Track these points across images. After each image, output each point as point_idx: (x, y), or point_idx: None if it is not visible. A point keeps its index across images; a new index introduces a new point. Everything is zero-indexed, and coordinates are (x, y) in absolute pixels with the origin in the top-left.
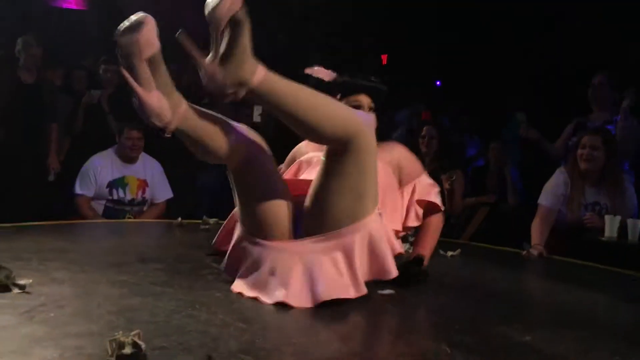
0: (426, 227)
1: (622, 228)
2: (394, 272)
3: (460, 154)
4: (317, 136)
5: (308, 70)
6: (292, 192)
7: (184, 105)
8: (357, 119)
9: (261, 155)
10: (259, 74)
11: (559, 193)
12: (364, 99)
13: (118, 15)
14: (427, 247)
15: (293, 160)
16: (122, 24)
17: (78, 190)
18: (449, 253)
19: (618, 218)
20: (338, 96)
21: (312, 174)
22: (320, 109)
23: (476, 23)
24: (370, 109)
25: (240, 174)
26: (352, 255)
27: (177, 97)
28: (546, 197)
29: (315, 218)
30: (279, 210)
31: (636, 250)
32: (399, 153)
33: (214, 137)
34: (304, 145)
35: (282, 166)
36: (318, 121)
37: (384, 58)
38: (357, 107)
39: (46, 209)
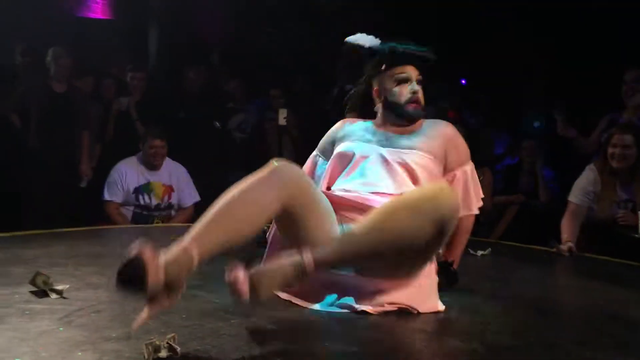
0: (456, 229)
1: None
2: None
3: (488, 151)
4: (422, 248)
5: (349, 39)
6: (339, 208)
7: (195, 260)
8: (441, 211)
9: (299, 203)
10: (309, 265)
11: (588, 190)
12: (412, 71)
13: (142, 23)
14: (456, 250)
15: (332, 144)
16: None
17: (106, 196)
18: (479, 252)
19: None
20: (383, 67)
21: (372, 181)
22: (403, 231)
23: (497, 17)
24: (418, 81)
25: (283, 225)
26: None
27: (187, 265)
28: (575, 195)
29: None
30: (326, 238)
31: None
32: (446, 137)
33: (241, 230)
34: (348, 124)
35: (317, 152)
36: (412, 240)
37: None
38: (404, 80)
39: (79, 214)
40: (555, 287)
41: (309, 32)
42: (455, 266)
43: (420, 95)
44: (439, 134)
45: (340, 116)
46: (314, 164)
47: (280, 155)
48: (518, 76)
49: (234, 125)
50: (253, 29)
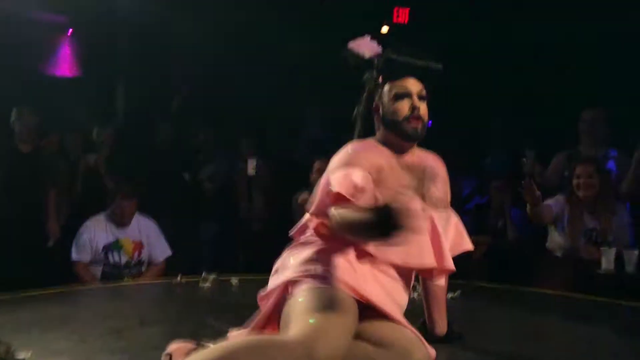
0: (435, 294)
1: (619, 259)
2: None
3: (455, 193)
4: None
5: (351, 44)
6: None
7: None
8: None
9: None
10: None
11: (557, 204)
12: (413, 85)
13: (110, 79)
14: (442, 320)
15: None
16: None
17: (75, 256)
18: (449, 295)
19: (613, 250)
20: (380, 79)
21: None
22: None
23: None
24: (420, 96)
25: None
26: None
27: None
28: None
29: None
30: None
31: (634, 280)
32: (446, 181)
33: None
34: (370, 152)
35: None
36: None
37: None
38: (404, 95)
39: (48, 275)
40: (526, 328)
41: (279, 80)
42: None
43: (423, 111)
44: (442, 178)
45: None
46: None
47: (250, 205)
48: (480, 116)
49: (205, 176)
50: (223, 78)
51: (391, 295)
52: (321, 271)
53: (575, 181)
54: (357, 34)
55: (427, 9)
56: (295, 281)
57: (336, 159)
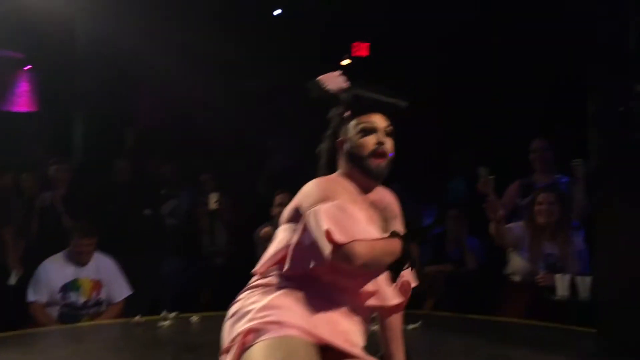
0: (392, 326)
1: (573, 285)
2: None
3: (416, 223)
4: None
5: (320, 77)
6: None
7: None
8: None
9: None
10: None
11: (518, 228)
12: (380, 122)
13: (66, 115)
14: (400, 350)
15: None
16: None
17: (31, 297)
18: (410, 326)
19: (567, 276)
20: (347, 113)
21: None
22: None
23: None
24: (387, 134)
25: None
26: None
27: None
28: None
29: None
30: None
31: (588, 306)
32: (399, 216)
33: None
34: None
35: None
36: None
37: None
38: (370, 130)
39: (4, 318)
40: (485, 357)
41: (241, 114)
42: None
43: (388, 147)
44: (398, 214)
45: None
46: None
47: (212, 239)
48: (440, 144)
49: (167, 211)
50: (185, 114)
51: (349, 337)
52: (279, 318)
53: (536, 207)
54: (318, 66)
55: (386, 44)
56: (255, 329)
57: (308, 198)
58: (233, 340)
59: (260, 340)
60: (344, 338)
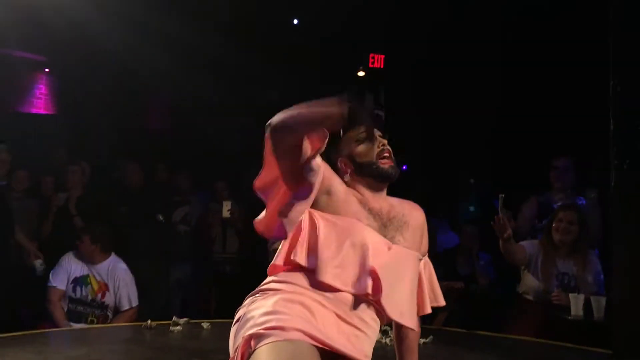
0: (408, 340)
1: (588, 305)
2: None
3: (431, 239)
4: None
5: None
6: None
7: None
8: None
9: None
10: None
11: (531, 246)
12: (369, 129)
13: (85, 118)
14: None
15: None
16: None
17: (52, 282)
18: (421, 341)
19: (582, 296)
20: (340, 133)
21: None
22: None
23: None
24: (381, 137)
25: None
26: None
27: None
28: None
29: None
30: None
31: (602, 327)
32: (425, 228)
33: None
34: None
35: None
36: None
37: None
38: (368, 138)
39: (15, 317)
40: None
41: (255, 122)
42: None
43: (390, 151)
44: (415, 227)
45: None
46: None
47: (224, 247)
48: (453, 162)
49: (179, 218)
50: (200, 121)
51: (355, 344)
52: (281, 323)
53: (555, 224)
54: (335, 77)
55: (401, 56)
56: (258, 335)
57: None
58: (236, 349)
59: (264, 344)
60: (347, 342)
